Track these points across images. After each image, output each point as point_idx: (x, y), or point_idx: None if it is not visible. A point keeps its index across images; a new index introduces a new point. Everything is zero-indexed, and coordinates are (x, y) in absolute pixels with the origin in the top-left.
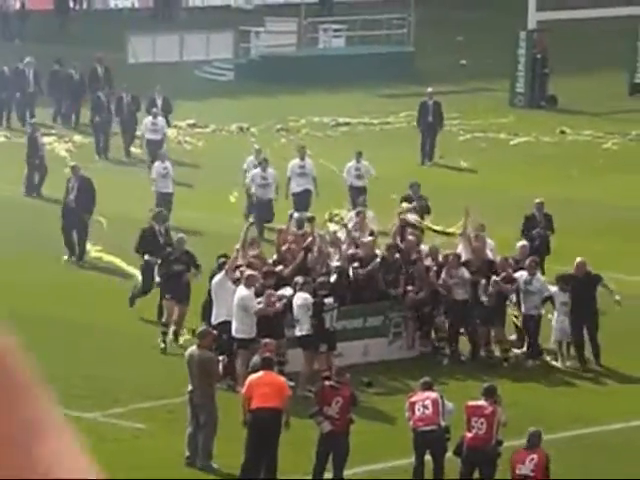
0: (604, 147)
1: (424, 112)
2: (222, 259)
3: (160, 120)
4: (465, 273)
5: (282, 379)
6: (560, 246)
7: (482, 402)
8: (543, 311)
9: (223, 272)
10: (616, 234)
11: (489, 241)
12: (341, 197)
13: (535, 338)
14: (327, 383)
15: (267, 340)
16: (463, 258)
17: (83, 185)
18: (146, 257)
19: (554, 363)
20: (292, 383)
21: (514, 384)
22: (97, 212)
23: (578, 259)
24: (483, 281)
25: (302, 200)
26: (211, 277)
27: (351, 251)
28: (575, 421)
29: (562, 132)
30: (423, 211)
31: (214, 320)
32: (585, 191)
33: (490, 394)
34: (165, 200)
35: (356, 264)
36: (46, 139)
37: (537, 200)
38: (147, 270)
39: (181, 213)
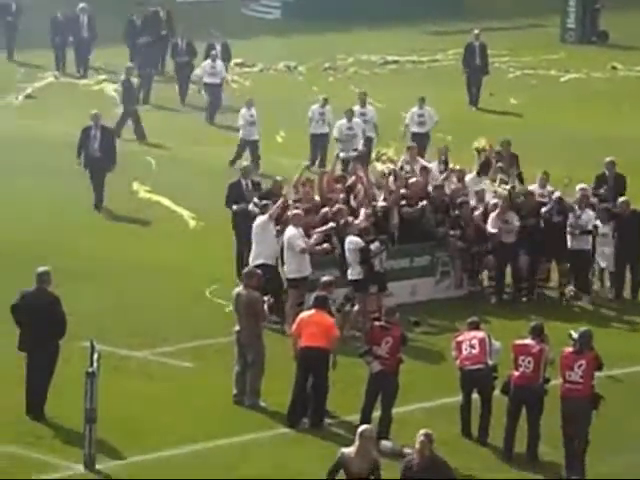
0: None
1: (470, 54)
2: (264, 201)
3: (219, 64)
4: (515, 219)
5: (330, 319)
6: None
7: (529, 341)
8: (590, 245)
9: (267, 215)
10: None
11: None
12: (388, 137)
13: (586, 273)
14: (377, 323)
15: (326, 278)
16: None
17: (105, 135)
18: (234, 207)
19: (595, 288)
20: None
21: (561, 322)
22: (146, 152)
23: (622, 198)
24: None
25: (365, 149)
26: (227, 204)
27: (401, 191)
28: (619, 359)
29: (613, 68)
30: (512, 167)
31: (252, 261)
32: (636, 128)
33: (537, 333)
34: (251, 147)
35: (403, 203)
36: (95, 79)
37: (608, 159)
38: (237, 221)
39: (226, 150)
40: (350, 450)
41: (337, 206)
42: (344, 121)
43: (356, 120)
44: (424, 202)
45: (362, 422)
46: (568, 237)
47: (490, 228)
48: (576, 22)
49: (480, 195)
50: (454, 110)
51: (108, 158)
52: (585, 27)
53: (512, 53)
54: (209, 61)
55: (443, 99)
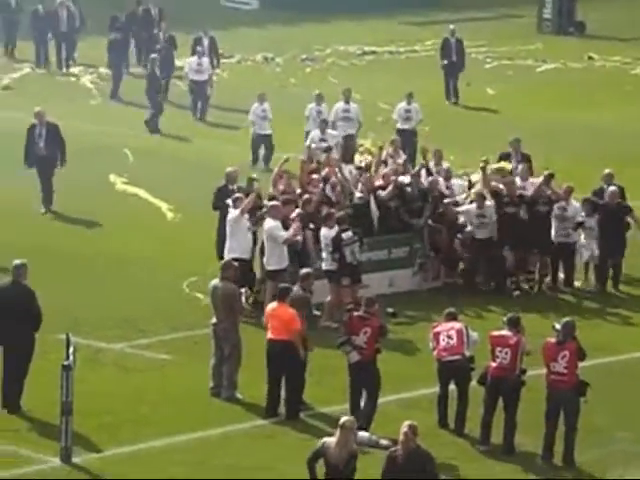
0: (632, 73)
1: (447, 50)
2: (237, 195)
3: (205, 60)
4: (491, 213)
5: (292, 311)
6: (586, 174)
7: (506, 332)
8: (577, 238)
9: (238, 210)
10: None
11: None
12: (366, 128)
13: (571, 265)
14: (356, 313)
15: (306, 270)
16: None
17: (51, 132)
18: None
19: (577, 284)
20: (318, 313)
21: (537, 314)
22: (123, 145)
23: (611, 188)
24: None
25: (346, 145)
26: (214, 208)
27: (377, 182)
28: (598, 349)
29: (590, 58)
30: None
31: (226, 254)
32: (612, 117)
33: (514, 324)
34: (264, 142)
35: (382, 193)
36: (73, 70)
37: (513, 137)
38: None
39: (210, 144)
40: (331, 440)
41: (305, 196)
42: (341, 103)
43: (353, 104)
44: (388, 189)
45: (351, 412)
46: (553, 229)
47: (463, 219)
48: (553, 12)
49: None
50: (432, 101)
51: (55, 156)
52: (562, 17)
53: (489, 43)
54: (195, 58)
55: (421, 89)
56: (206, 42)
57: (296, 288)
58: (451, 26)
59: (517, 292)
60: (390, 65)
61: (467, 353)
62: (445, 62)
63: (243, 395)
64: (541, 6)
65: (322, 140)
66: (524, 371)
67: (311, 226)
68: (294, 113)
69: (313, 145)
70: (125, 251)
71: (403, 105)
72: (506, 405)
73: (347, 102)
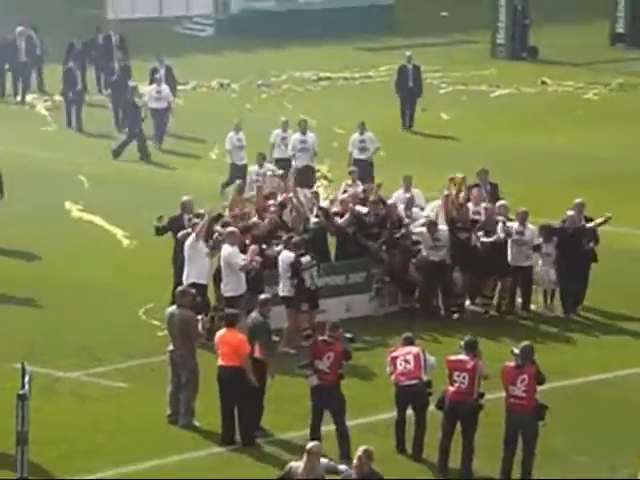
0: (585, 97)
1: (404, 77)
2: (195, 219)
3: (164, 88)
4: (444, 236)
5: (241, 337)
6: (542, 197)
7: (463, 356)
8: (533, 262)
9: (194, 235)
10: (597, 185)
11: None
12: (322, 154)
13: (528, 290)
14: (320, 337)
15: (263, 296)
16: (441, 219)
17: None
18: (178, 235)
19: (533, 307)
20: (276, 338)
21: (496, 338)
22: (79, 172)
23: (569, 212)
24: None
25: (304, 176)
26: (157, 232)
27: (333, 208)
28: (556, 372)
29: (543, 83)
30: (492, 197)
31: (185, 279)
32: (566, 141)
33: (471, 348)
34: (240, 172)
35: (339, 220)
36: (28, 97)
37: (480, 168)
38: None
39: (164, 170)
40: (297, 464)
41: (251, 220)
42: (298, 134)
43: (310, 134)
44: (346, 216)
45: (312, 437)
46: (509, 253)
47: (419, 246)
48: (506, 38)
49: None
50: (387, 126)
51: None
52: (515, 43)
53: (443, 69)
54: (154, 86)
55: (376, 115)
56: (162, 71)
57: (255, 314)
58: (407, 52)
59: (456, 315)
60: (345, 91)
61: (425, 377)
62: (402, 91)
63: (200, 422)
64: (494, 32)
65: (302, 142)
66: (482, 395)
67: (263, 246)
68: (250, 138)
69: (269, 172)
70: (81, 278)
71: (356, 136)
72: (464, 429)
73: (303, 133)
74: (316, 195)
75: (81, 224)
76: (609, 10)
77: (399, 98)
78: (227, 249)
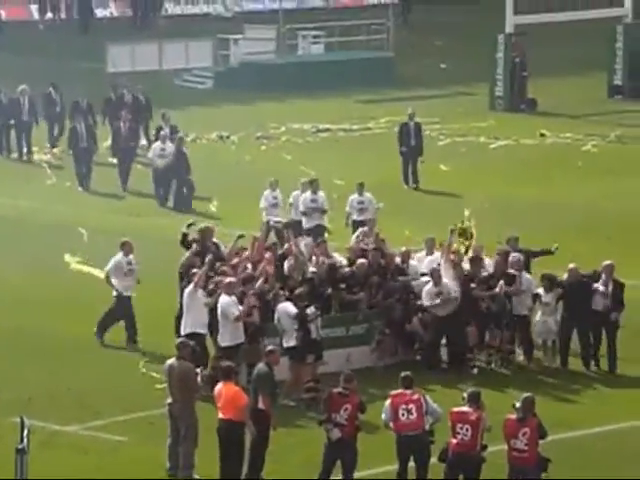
0: (583, 149)
1: (406, 134)
2: (194, 270)
3: (169, 145)
4: (452, 291)
5: (236, 389)
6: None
7: (466, 408)
8: (531, 311)
9: (192, 285)
10: (597, 236)
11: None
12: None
13: (529, 339)
14: (335, 390)
15: (272, 347)
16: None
17: None
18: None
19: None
20: (277, 391)
21: (497, 391)
22: (77, 223)
23: (571, 265)
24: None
25: (315, 236)
26: (183, 240)
27: (332, 260)
28: (557, 425)
29: (542, 135)
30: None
31: (182, 331)
32: (565, 193)
33: (474, 400)
34: (275, 229)
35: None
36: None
37: (510, 235)
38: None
39: (163, 221)
40: None
41: (246, 272)
42: (308, 193)
43: (321, 193)
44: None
45: None
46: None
47: (425, 301)
48: (504, 90)
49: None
50: (386, 178)
51: None
52: (514, 95)
53: (442, 120)
54: (159, 143)
55: (375, 166)
56: (167, 130)
57: (261, 365)
58: (409, 110)
59: (475, 370)
60: (344, 142)
61: (427, 426)
62: (404, 148)
63: (200, 475)
64: (493, 84)
65: (313, 201)
66: (485, 447)
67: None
68: (249, 190)
69: (271, 222)
70: (80, 331)
71: (355, 197)
72: None
73: (315, 192)
74: (324, 245)
75: (80, 276)
76: (607, 63)
77: (401, 155)
78: (224, 299)
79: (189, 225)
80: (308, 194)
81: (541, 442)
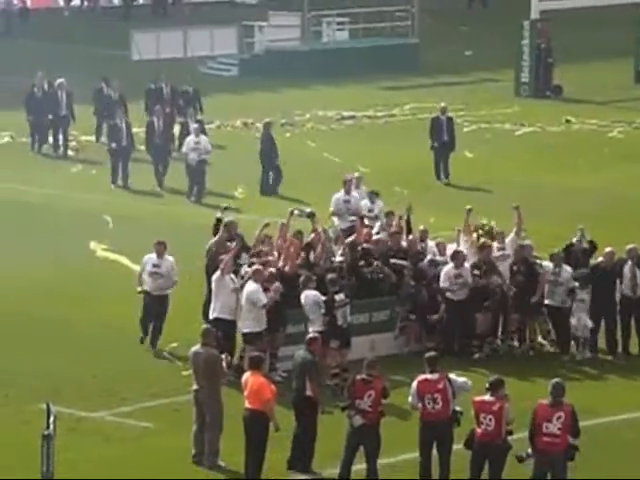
0: (610, 136)
1: (438, 130)
2: (221, 257)
3: (203, 139)
4: (468, 276)
5: (263, 380)
6: (566, 236)
7: (489, 397)
8: (569, 303)
9: (219, 271)
10: (622, 223)
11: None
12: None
13: (565, 331)
14: (359, 377)
15: (313, 334)
16: (468, 258)
17: None
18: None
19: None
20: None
21: (522, 378)
22: (102, 211)
23: (607, 249)
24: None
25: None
26: (216, 224)
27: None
28: (583, 412)
29: (567, 121)
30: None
31: (211, 314)
32: (591, 179)
33: (495, 388)
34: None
35: (362, 263)
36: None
37: (580, 226)
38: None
39: (188, 209)
40: None
41: (266, 257)
42: (341, 193)
43: (354, 194)
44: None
45: (340, 477)
46: (546, 293)
47: (441, 283)
48: (530, 76)
49: (441, 248)
50: (410, 164)
51: None
52: (539, 81)
53: (467, 107)
54: (192, 137)
55: (399, 153)
56: (196, 125)
57: (303, 352)
58: (442, 103)
59: (477, 355)
60: (369, 129)
61: (453, 407)
62: (435, 144)
63: (225, 462)
64: (518, 70)
65: (346, 202)
66: (510, 432)
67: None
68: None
69: (296, 212)
70: (107, 318)
71: (366, 203)
72: (492, 469)
73: (348, 192)
74: (346, 233)
75: (106, 263)
76: (633, 48)
77: (432, 150)
78: (251, 286)
79: (225, 209)
80: (341, 194)
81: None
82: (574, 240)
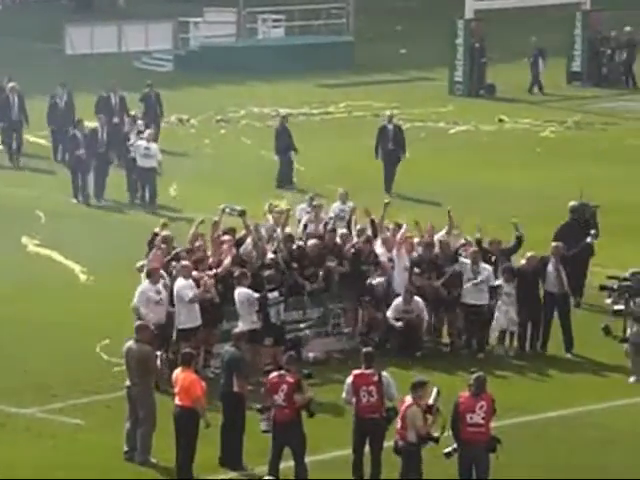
0: (542, 135)
1: (383, 138)
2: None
3: (153, 146)
4: (417, 310)
5: (194, 377)
6: (497, 235)
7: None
8: (492, 301)
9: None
10: (553, 222)
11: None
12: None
13: (485, 329)
14: (275, 373)
15: (239, 330)
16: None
17: None
18: None
19: (497, 351)
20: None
21: (453, 375)
22: (37, 207)
23: (528, 253)
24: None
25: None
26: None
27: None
28: (511, 409)
29: (500, 120)
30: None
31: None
32: (523, 178)
33: (415, 388)
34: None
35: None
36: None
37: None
38: None
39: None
40: None
41: (197, 254)
42: (338, 203)
43: (350, 204)
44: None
45: (269, 474)
46: (464, 291)
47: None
48: (464, 75)
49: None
50: (344, 161)
51: None
52: (473, 80)
53: (402, 105)
54: (144, 142)
55: (334, 150)
56: (150, 130)
57: (230, 347)
58: (387, 112)
59: (419, 353)
60: (304, 126)
61: (386, 404)
62: (382, 154)
63: (157, 459)
64: (452, 69)
65: (341, 211)
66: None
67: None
68: (208, 174)
69: (227, 209)
70: (37, 314)
71: (338, 205)
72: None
73: (344, 203)
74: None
75: (38, 259)
76: (566, 49)
77: (381, 162)
78: (180, 282)
79: (164, 225)
80: (337, 204)
81: (492, 425)
82: (477, 235)
